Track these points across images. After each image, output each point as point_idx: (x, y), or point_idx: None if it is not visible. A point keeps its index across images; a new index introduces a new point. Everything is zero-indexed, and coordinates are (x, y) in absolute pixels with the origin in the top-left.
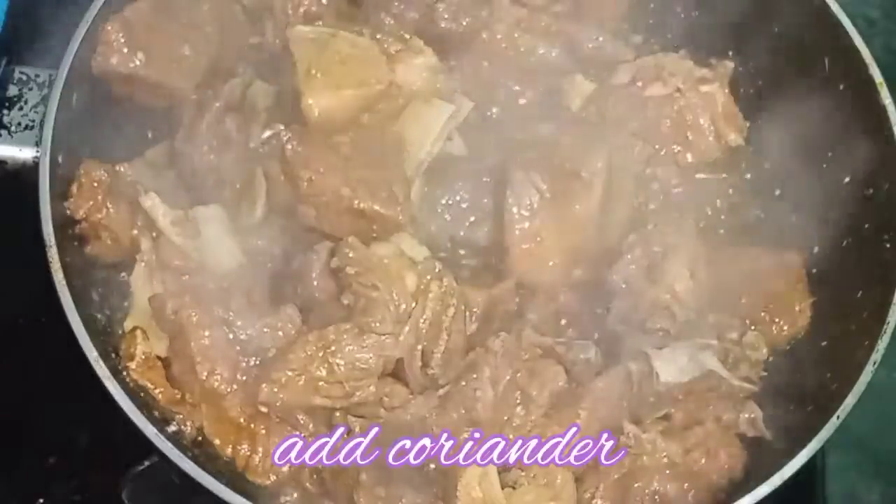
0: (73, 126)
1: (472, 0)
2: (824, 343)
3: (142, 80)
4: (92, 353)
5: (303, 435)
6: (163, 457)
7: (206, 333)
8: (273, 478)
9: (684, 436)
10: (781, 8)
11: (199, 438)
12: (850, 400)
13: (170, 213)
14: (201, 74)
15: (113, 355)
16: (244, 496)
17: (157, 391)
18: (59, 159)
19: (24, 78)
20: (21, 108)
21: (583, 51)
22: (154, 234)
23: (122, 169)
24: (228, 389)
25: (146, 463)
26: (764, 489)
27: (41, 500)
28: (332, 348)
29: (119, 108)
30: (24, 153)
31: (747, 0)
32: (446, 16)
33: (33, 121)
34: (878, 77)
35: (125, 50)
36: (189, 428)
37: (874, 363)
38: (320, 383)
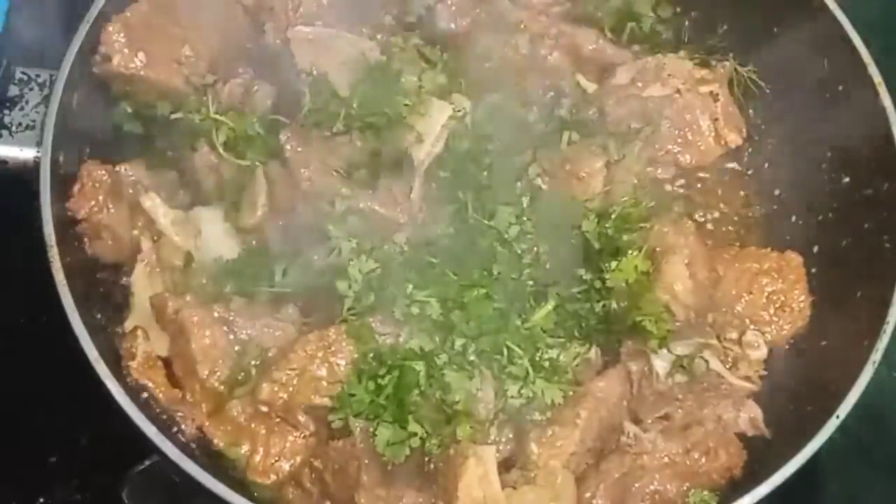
0: (73, 126)
1: (471, 1)
2: (824, 342)
3: (142, 80)
4: (92, 353)
5: (303, 434)
6: (163, 456)
7: (207, 333)
8: (273, 477)
9: (684, 435)
10: (782, 9)
11: (200, 438)
12: (850, 399)
13: (170, 213)
14: (201, 75)
15: (113, 355)
16: (244, 496)
17: (157, 390)
18: (60, 159)
19: (25, 78)
20: (22, 109)
21: (583, 52)
22: (154, 235)
23: (122, 169)
24: (229, 389)
25: (146, 463)
26: (764, 489)
27: (42, 500)
28: (333, 348)
29: (120, 108)
30: (25, 153)
31: (748, 1)
32: (446, 16)
33: (34, 121)
34: (877, 77)
35: (126, 50)
36: (190, 427)
37: (874, 363)
38: (321, 383)
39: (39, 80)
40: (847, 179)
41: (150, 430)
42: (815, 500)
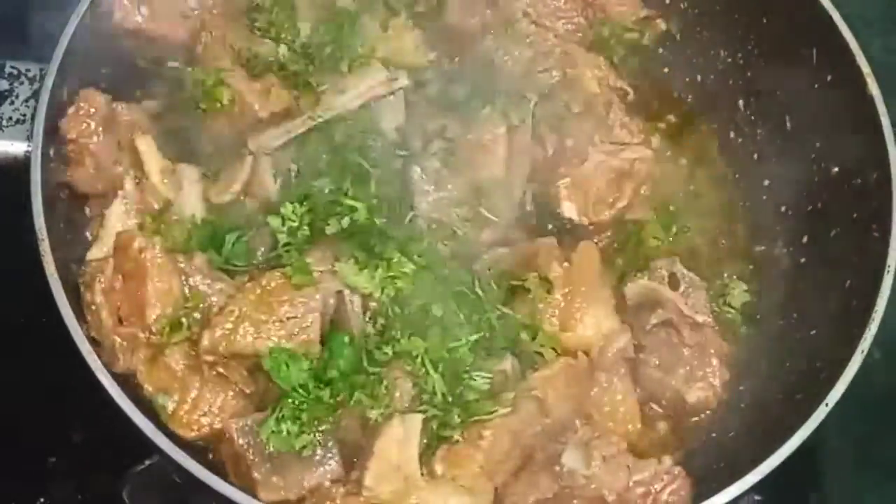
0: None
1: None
2: (813, 332)
3: (146, 34)
4: (84, 346)
5: (238, 392)
6: (163, 456)
7: (166, 279)
8: (194, 432)
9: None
10: (770, 0)
11: (128, 380)
12: (839, 387)
13: (160, 161)
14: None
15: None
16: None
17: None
18: (50, 153)
19: (15, 72)
20: (12, 103)
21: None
22: (138, 177)
23: (119, 107)
24: (169, 337)
25: (146, 463)
26: (753, 477)
27: (41, 500)
28: (273, 289)
29: None
30: (16, 147)
31: None
32: (456, 10)
33: (24, 115)
34: (865, 68)
35: (128, 3)
36: (120, 365)
37: (862, 351)
38: (262, 325)
39: (29, 74)
40: (836, 170)
41: (144, 423)
42: (815, 499)
